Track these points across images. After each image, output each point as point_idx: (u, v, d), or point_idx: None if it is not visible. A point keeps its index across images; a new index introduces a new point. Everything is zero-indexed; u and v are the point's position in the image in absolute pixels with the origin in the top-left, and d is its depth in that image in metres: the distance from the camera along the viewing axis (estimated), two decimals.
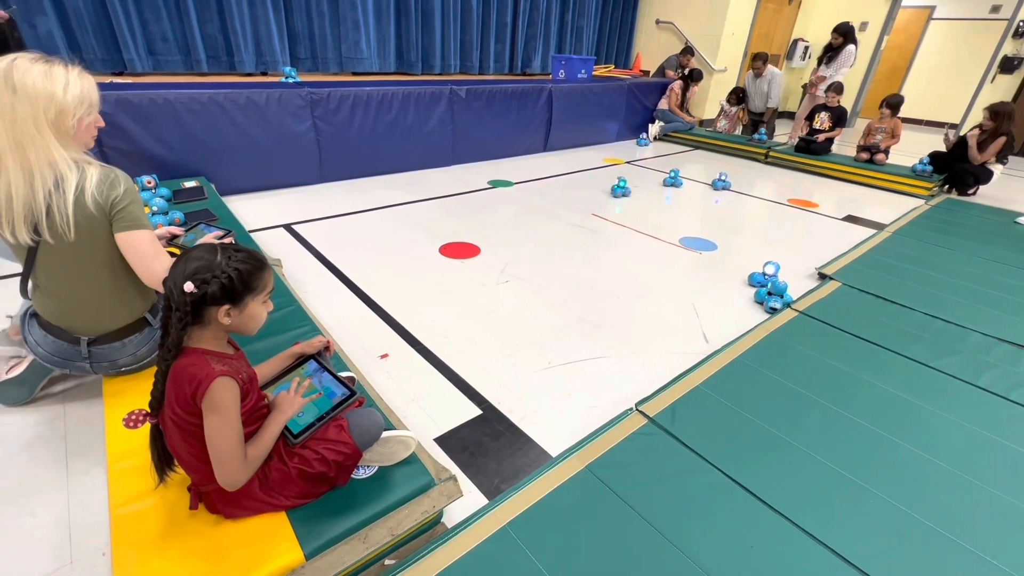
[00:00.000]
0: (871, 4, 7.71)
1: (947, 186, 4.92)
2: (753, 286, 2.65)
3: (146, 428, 1.00)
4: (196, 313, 0.93)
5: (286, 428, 1.07)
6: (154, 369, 0.95)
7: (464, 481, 1.42)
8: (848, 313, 2.34)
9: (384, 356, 1.95)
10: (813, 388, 1.80)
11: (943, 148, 4.94)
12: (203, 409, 0.91)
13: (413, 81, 4.81)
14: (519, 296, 2.45)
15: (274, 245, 2.83)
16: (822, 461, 1.47)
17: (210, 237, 1.68)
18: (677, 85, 6.40)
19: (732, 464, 1.43)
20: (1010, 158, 5.84)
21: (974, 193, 4.89)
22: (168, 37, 4.08)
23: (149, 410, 0.97)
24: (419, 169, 4.54)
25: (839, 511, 1.32)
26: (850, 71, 5.92)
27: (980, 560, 1.22)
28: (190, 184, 3.13)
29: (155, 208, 2.60)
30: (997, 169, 4.89)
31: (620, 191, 4.12)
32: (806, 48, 8.24)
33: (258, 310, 1.01)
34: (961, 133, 4.87)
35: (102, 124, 1.28)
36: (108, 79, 3.60)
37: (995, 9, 7.79)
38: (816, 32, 8.10)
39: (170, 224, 2.31)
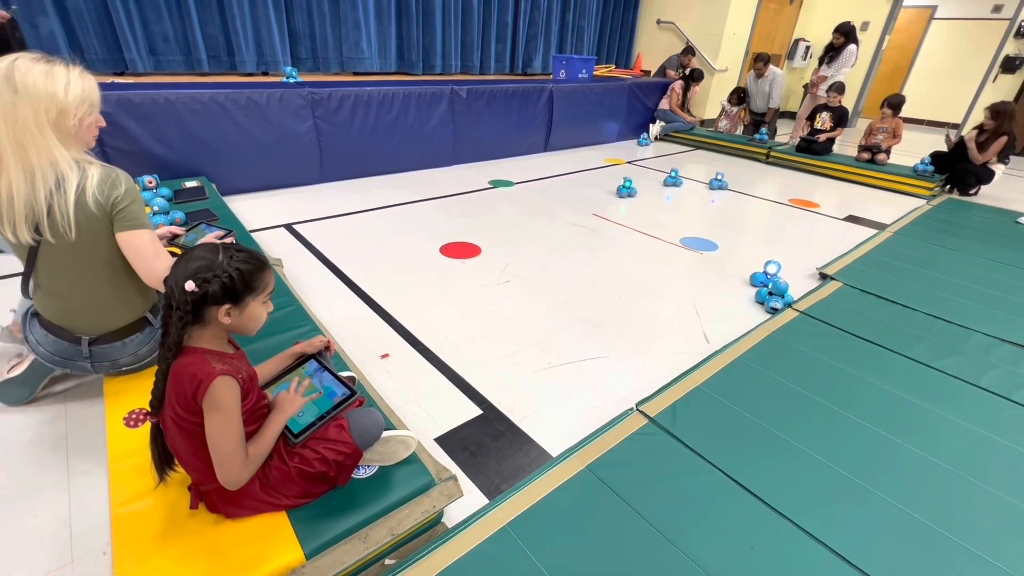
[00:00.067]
0: (872, 4, 7.70)
1: (948, 186, 4.92)
2: (755, 286, 2.64)
3: (146, 427, 1.00)
4: (197, 312, 0.93)
5: (286, 428, 1.08)
6: (155, 368, 0.95)
7: (464, 481, 1.42)
8: (849, 313, 2.34)
9: (385, 356, 1.95)
10: (814, 388, 1.80)
11: (944, 148, 4.93)
12: (204, 408, 0.92)
13: (414, 81, 4.82)
14: (520, 296, 2.45)
15: (275, 245, 2.83)
16: (823, 461, 1.47)
17: (211, 237, 1.68)
18: (678, 85, 6.40)
19: (733, 464, 1.43)
20: (1012, 158, 5.82)
21: (976, 193, 4.88)
22: (169, 37, 4.08)
23: (150, 409, 0.97)
24: (420, 169, 4.54)
25: (840, 511, 1.32)
26: (851, 71, 5.92)
27: (981, 560, 1.21)
28: (191, 184, 3.13)
29: (156, 208, 2.61)
30: (999, 169, 4.88)
31: (626, 191, 4.11)
32: (807, 48, 8.23)
33: (258, 310, 1.01)
34: (963, 133, 4.86)
35: (103, 124, 1.29)
36: (109, 79, 3.61)
37: (997, 9, 7.78)
38: (817, 32, 8.08)
39: (171, 224, 2.30)
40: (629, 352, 2.07)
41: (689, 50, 6.62)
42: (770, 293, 2.46)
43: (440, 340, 2.06)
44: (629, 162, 5.43)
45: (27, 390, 1.55)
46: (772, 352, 2.00)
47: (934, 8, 8.59)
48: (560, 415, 1.70)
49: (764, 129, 6.04)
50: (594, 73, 6.27)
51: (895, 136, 5.05)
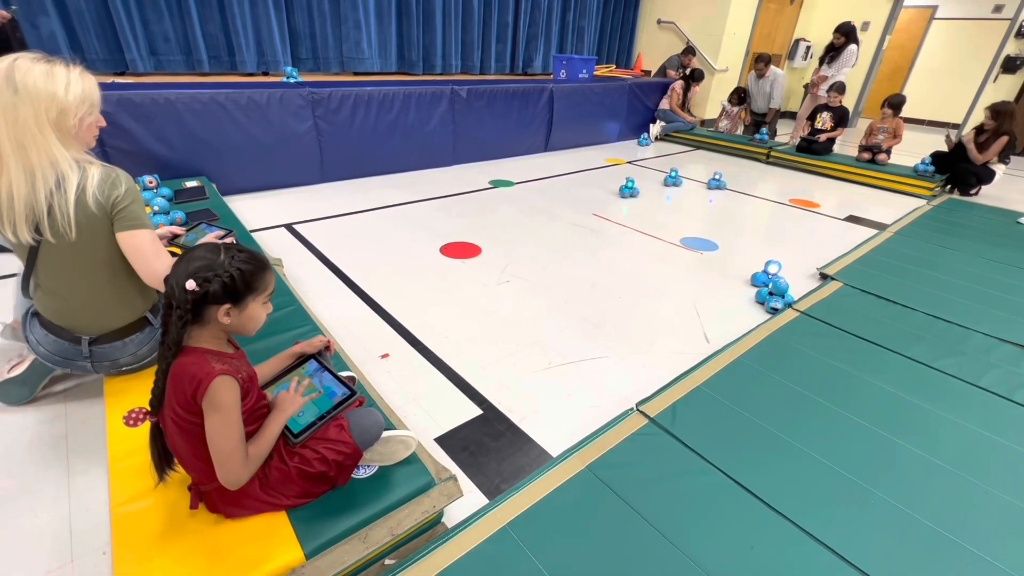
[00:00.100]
0: (873, 4, 7.70)
1: (949, 186, 4.91)
2: (755, 286, 2.64)
3: (146, 427, 1.00)
4: (197, 312, 0.93)
5: (286, 427, 1.08)
6: (155, 368, 0.95)
7: (464, 481, 1.42)
8: (849, 313, 2.34)
9: (384, 356, 1.95)
10: (814, 388, 1.80)
11: (945, 148, 4.93)
12: (203, 408, 0.92)
13: (414, 81, 4.82)
14: (520, 296, 2.45)
15: (275, 245, 2.83)
16: (823, 461, 1.47)
17: (211, 237, 1.68)
18: (678, 85, 6.40)
19: (733, 464, 1.43)
20: (1012, 158, 5.81)
21: (976, 193, 4.88)
22: (170, 37, 4.08)
23: (149, 408, 0.97)
24: (420, 169, 4.54)
25: (840, 511, 1.31)
26: (852, 71, 5.92)
27: (981, 561, 1.21)
28: (191, 184, 3.14)
29: (156, 208, 2.61)
30: (999, 169, 4.87)
31: (628, 192, 4.11)
32: (808, 48, 8.23)
33: (258, 311, 1.01)
34: (963, 133, 4.86)
35: (103, 124, 1.29)
36: (110, 79, 3.61)
37: (997, 9, 7.77)
38: (818, 32, 8.08)
39: (171, 224, 2.30)
40: (629, 352, 2.07)
41: (689, 50, 6.62)
42: (770, 293, 2.46)
43: (440, 340, 2.06)
44: (629, 162, 5.43)
45: (27, 390, 1.55)
46: (772, 352, 2.00)
47: (935, 8, 8.59)
48: (560, 415, 1.70)
49: (765, 129, 6.04)
50: (594, 73, 6.27)
51: (896, 136, 5.05)
